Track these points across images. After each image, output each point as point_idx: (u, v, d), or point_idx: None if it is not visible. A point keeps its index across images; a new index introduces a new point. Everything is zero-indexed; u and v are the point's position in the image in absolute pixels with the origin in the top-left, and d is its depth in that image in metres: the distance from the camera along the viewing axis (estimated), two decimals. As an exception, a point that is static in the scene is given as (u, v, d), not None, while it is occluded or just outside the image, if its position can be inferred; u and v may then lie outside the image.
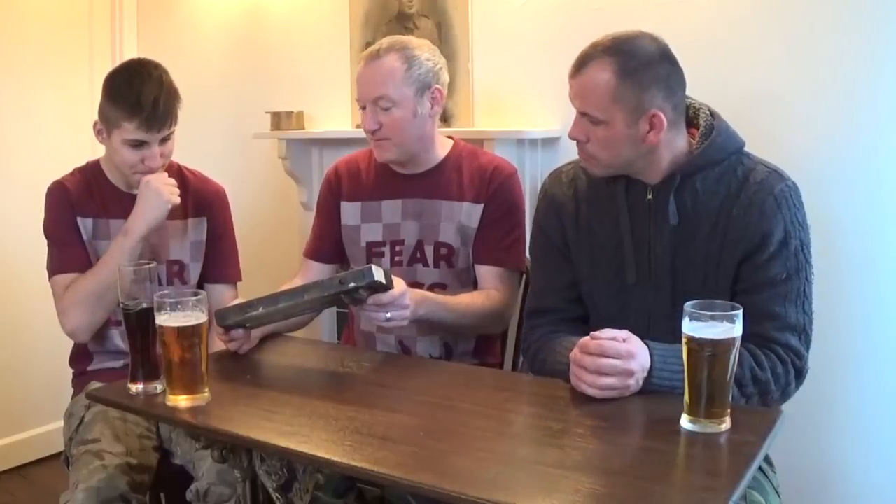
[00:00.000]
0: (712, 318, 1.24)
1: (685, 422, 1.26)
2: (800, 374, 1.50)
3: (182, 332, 1.37)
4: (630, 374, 1.36)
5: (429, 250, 1.96)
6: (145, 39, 3.47)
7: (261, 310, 1.58)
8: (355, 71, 1.93)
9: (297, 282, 1.99)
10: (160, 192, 1.89)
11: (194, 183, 2.09)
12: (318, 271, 2.03)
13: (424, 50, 1.90)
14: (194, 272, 2.06)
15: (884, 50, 2.00)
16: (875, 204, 2.05)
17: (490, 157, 2.04)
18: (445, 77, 1.94)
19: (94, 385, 1.88)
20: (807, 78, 2.10)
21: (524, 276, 1.99)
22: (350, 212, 2.01)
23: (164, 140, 1.92)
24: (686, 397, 1.26)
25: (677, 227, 1.54)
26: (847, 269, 2.07)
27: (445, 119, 2.66)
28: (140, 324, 1.49)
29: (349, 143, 2.61)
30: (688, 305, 1.26)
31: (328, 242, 2.04)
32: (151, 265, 1.54)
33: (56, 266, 1.95)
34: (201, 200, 2.08)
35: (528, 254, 1.91)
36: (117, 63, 2.25)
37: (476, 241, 1.94)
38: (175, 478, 1.83)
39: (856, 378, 2.10)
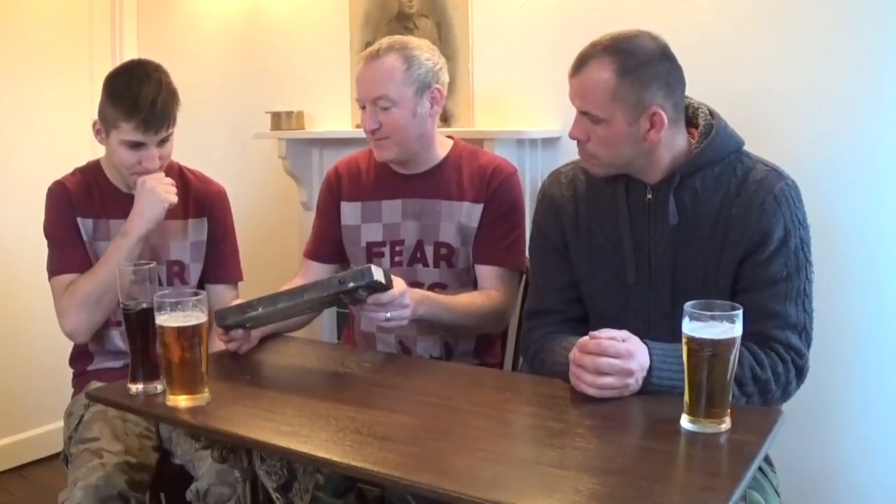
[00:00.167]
0: (712, 317, 1.23)
1: (685, 422, 1.26)
2: (800, 373, 1.49)
3: (182, 332, 1.37)
4: (629, 373, 1.36)
5: (429, 250, 1.96)
6: (145, 39, 3.47)
7: (260, 310, 1.58)
8: (355, 71, 1.93)
9: (298, 282, 1.99)
10: (157, 193, 1.89)
11: (195, 183, 2.09)
12: (318, 271, 2.03)
13: (424, 50, 1.90)
14: (195, 272, 2.06)
15: (884, 48, 2.00)
16: (875, 202, 2.05)
17: (490, 156, 2.04)
18: (445, 77, 1.94)
19: (94, 385, 1.88)
20: (806, 77, 2.10)
21: (524, 276, 1.99)
22: (350, 212, 2.01)
23: (163, 142, 1.92)
24: (686, 397, 1.26)
25: (677, 226, 1.54)
26: (847, 267, 2.07)
27: (445, 119, 2.66)
28: (140, 324, 1.49)
29: (349, 143, 2.61)
30: (688, 305, 1.26)
31: (328, 243, 2.04)
32: (151, 265, 1.53)
33: (56, 266, 1.95)
34: (202, 201, 2.08)
35: (527, 254, 1.91)
36: (117, 63, 2.26)
37: (476, 241, 1.94)
38: (175, 478, 1.83)
39: (856, 378, 2.10)
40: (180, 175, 2.07)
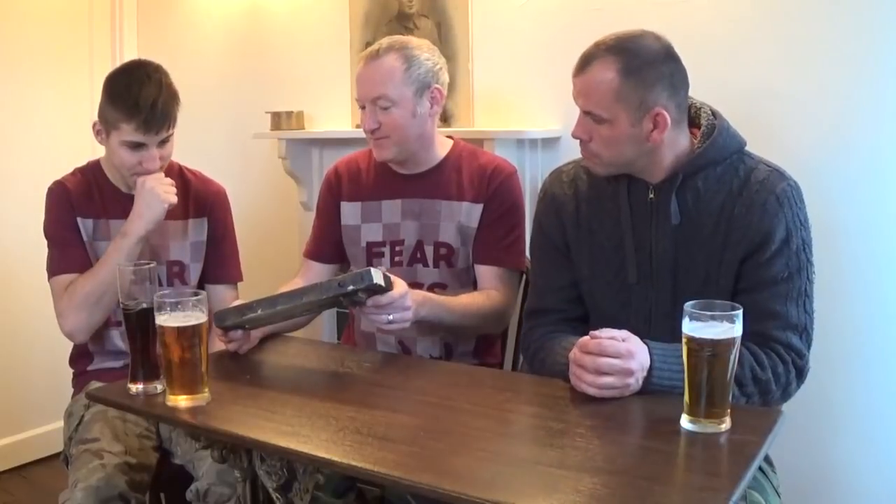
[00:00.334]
0: (712, 317, 1.23)
1: (685, 422, 1.26)
2: (800, 374, 1.49)
3: (182, 332, 1.37)
4: (629, 373, 1.36)
5: (429, 250, 1.96)
6: (145, 39, 3.47)
7: (259, 312, 1.58)
8: (355, 71, 1.93)
9: (298, 282, 2.00)
10: (157, 193, 1.89)
11: (195, 183, 2.09)
12: (318, 271, 2.03)
13: (424, 50, 1.90)
14: (195, 273, 2.06)
15: (885, 48, 2.00)
16: (877, 202, 2.05)
17: (490, 156, 2.04)
18: (445, 77, 1.94)
19: (94, 385, 1.88)
20: (807, 76, 2.10)
21: (524, 276, 1.99)
22: (350, 212, 2.01)
23: (163, 142, 1.92)
24: (686, 397, 1.26)
25: (679, 226, 1.54)
26: (848, 268, 2.07)
27: (445, 119, 2.66)
28: (140, 324, 1.49)
29: (349, 143, 2.61)
30: (688, 305, 1.26)
31: (328, 243, 2.04)
32: (151, 265, 1.53)
33: (56, 266, 1.95)
34: (202, 201, 2.08)
35: (527, 253, 1.91)
36: (117, 63, 2.26)
37: (476, 241, 1.94)
38: (175, 478, 1.83)
39: (857, 377, 2.10)
40: (180, 175, 2.07)
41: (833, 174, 2.07)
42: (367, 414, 1.35)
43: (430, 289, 1.93)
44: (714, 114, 1.58)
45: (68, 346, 2.05)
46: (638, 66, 1.48)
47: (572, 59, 1.55)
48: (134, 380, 1.49)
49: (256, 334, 1.72)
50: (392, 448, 1.22)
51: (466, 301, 1.86)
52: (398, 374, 1.61)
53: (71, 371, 2.07)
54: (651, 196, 1.56)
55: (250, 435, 1.31)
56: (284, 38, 3.12)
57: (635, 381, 1.37)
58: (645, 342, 1.39)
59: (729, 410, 1.25)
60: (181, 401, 1.40)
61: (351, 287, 1.52)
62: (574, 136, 1.57)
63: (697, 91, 1.61)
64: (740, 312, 1.25)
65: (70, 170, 2.05)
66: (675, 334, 1.31)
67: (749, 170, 1.53)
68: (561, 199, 1.68)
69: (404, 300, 1.64)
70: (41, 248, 1.99)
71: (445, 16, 2.69)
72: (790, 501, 1.62)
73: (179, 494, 1.73)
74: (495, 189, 1.93)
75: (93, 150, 2.28)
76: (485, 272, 1.94)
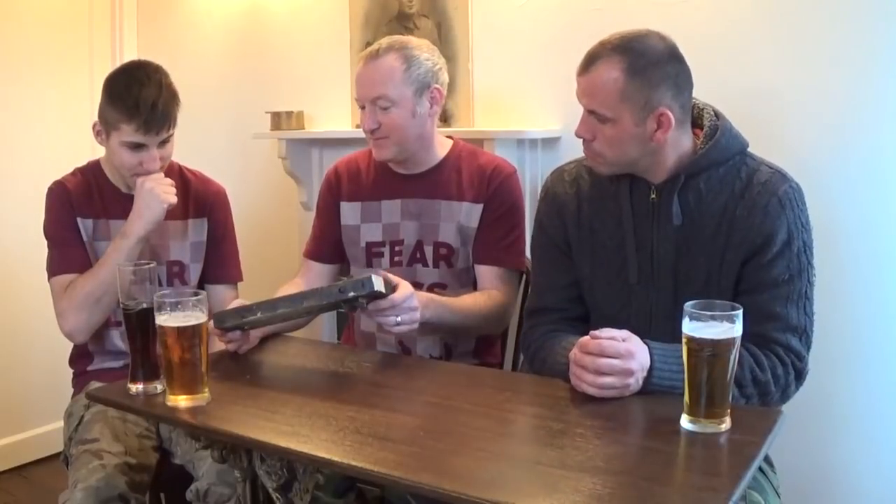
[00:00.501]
0: (712, 317, 1.23)
1: (685, 422, 1.26)
2: (800, 376, 1.50)
3: (182, 332, 1.37)
4: (630, 373, 1.36)
5: (428, 250, 1.96)
6: (145, 39, 3.47)
7: (259, 315, 1.58)
8: (355, 71, 1.93)
9: (298, 282, 2.00)
10: (156, 193, 1.89)
11: (195, 184, 2.09)
12: (318, 272, 2.03)
13: (424, 50, 1.90)
14: (195, 273, 2.06)
15: (885, 48, 2.00)
16: (877, 201, 2.05)
17: (489, 157, 2.04)
18: (445, 77, 1.93)
19: (94, 385, 1.88)
20: (807, 77, 2.10)
21: (524, 276, 1.99)
22: (350, 212, 2.01)
23: (163, 143, 1.92)
24: (686, 397, 1.26)
25: (680, 227, 1.54)
26: (849, 268, 2.07)
27: (445, 119, 2.66)
28: (140, 324, 1.49)
29: (349, 143, 2.61)
30: (688, 305, 1.26)
31: (328, 243, 2.04)
32: (151, 265, 1.53)
33: (55, 267, 1.95)
34: (202, 201, 2.08)
35: (528, 253, 1.91)
36: (117, 63, 2.26)
37: (476, 241, 1.94)
38: (175, 478, 1.83)
39: (857, 378, 2.10)
40: (180, 175, 2.07)
41: (833, 174, 2.07)
42: (367, 414, 1.35)
43: (430, 289, 1.93)
44: (717, 115, 1.58)
45: (68, 346, 2.05)
46: (643, 66, 1.47)
47: (572, 59, 1.55)
48: (134, 380, 1.49)
49: (256, 335, 1.72)
50: (392, 448, 1.22)
51: (469, 301, 1.86)
52: (398, 374, 1.61)
53: (71, 371, 2.07)
54: (653, 196, 1.56)
55: (250, 435, 1.31)
56: (284, 38, 3.12)
57: (635, 382, 1.37)
58: (645, 342, 1.39)
59: (729, 410, 1.25)
60: (181, 401, 1.40)
61: (352, 293, 1.52)
62: (577, 135, 1.57)
63: (697, 91, 1.60)
64: (740, 312, 1.25)
65: (70, 170, 2.05)
66: (675, 335, 1.31)
67: (751, 171, 1.53)
68: (563, 199, 1.68)
69: (410, 301, 1.63)
70: (41, 248, 1.99)
71: (445, 16, 2.69)
72: (790, 501, 1.62)
73: (179, 494, 1.73)
74: (495, 189, 1.93)
75: (93, 150, 2.29)
76: (485, 272, 1.94)
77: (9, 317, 3.08)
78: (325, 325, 2.92)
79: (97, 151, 2.07)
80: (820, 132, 2.10)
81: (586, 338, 1.39)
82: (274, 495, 1.52)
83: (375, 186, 2.00)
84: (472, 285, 1.97)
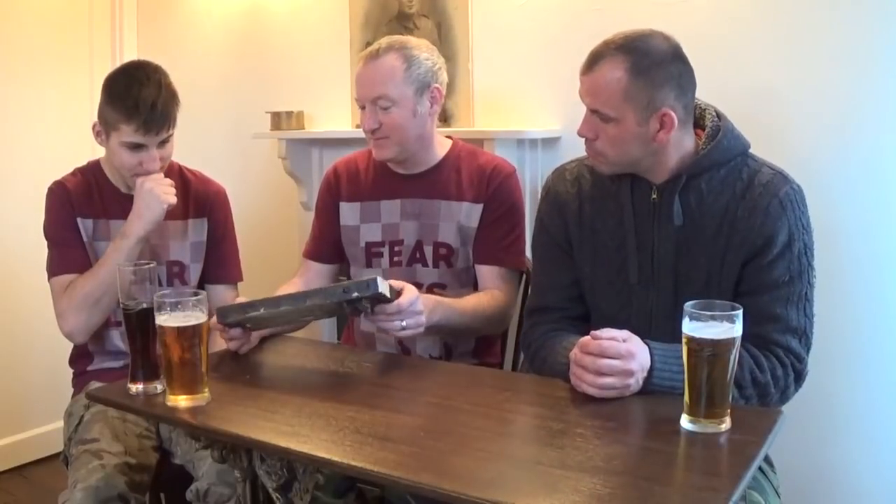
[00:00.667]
0: (712, 317, 1.23)
1: (685, 422, 1.26)
2: (799, 378, 1.50)
3: (182, 332, 1.37)
4: (630, 374, 1.36)
5: (428, 250, 1.96)
6: (145, 39, 3.47)
7: (262, 311, 1.57)
8: (355, 71, 1.93)
9: (296, 282, 2.00)
10: (156, 194, 1.89)
11: (195, 184, 2.09)
12: (317, 272, 2.03)
13: (423, 49, 1.90)
14: (195, 273, 2.06)
15: (886, 48, 2.00)
16: (877, 203, 2.05)
17: (489, 156, 2.04)
18: (444, 76, 1.94)
19: (94, 385, 1.88)
20: (807, 77, 2.10)
21: (524, 276, 1.99)
22: (349, 212, 2.01)
23: (163, 143, 1.92)
24: (686, 397, 1.26)
25: (681, 227, 1.54)
26: (849, 268, 2.07)
27: (445, 119, 2.66)
28: (140, 324, 1.49)
29: (349, 143, 2.61)
30: (687, 305, 1.26)
31: (327, 243, 2.04)
32: (151, 265, 1.53)
33: (55, 267, 1.95)
34: (202, 201, 2.08)
35: (528, 253, 1.91)
36: (117, 63, 2.25)
37: (476, 241, 1.94)
38: (175, 478, 1.83)
39: (857, 378, 2.10)
40: (180, 175, 2.07)
41: (833, 174, 2.06)
42: (367, 414, 1.35)
43: (430, 289, 1.93)
44: (719, 115, 1.58)
45: (68, 346, 2.05)
46: (647, 66, 1.47)
47: (572, 59, 1.55)
48: (134, 380, 1.49)
49: (257, 335, 1.72)
50: (392, 448, 1.22)
51: (473, 302, 1.86)
52: (398, 374, 1.61)
53: (71, 371, 2.07)
54: (654, 197, 1.56)
55: (250, 435, 1.31)
56: (284, 38, 3.12)
57: (635, 382, 1.37)
58: (646, 342, 1.39)
59: (729, 410, 1.25)
60: (181, 401, 1.40)
61: (356, 294, 1.52)
62: (580, 134, 1.57)
63: (697, 91, 1.60)
64: (740, 312, 1.25)
65: (70, 170, 2.05)
66: (675, 335, 1.30)
67: (753, 172, 1.53)
68: (564, 198, 1.68)
69: (416, 305, 1.62)
70: (41, 248, 1.98)
71: (445, 16, 2.69)
72: (790, 501, 1.62)
73: (179, 494, 1.73)
74: (495, 189, 1.93)
75: (93, 150, 2.28)
76: (486, 272, 1.94)
77: (9, 317, 3.08)
78: (325, 326, 2.92)
79: (97, 151, 2.07)
80: (820, 132, 2.10)
81: (587, 338, 1.39)
82: (274, 495, 1.51)
83: (375, 187, 2.00)
84: (472, 285, 1.97)
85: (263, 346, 1.74)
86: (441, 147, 1.99)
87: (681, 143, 1.54)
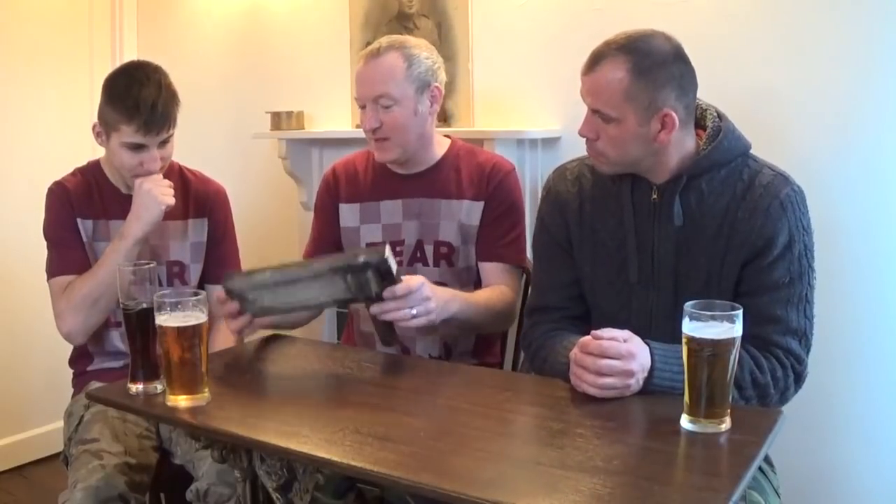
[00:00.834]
0: (712, 317, 1.23)
1: (685, 422, 1.26)
2: (799, 379, 1.50)
3: (182, 332, 1.37)
4: (630, 374, 1.36)
5: (429, 250, 1.96)
6: (145, 40, 3.47)
7: (268, 274, 1.55)
8: (355, 70, 1.92)
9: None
10: (154, 195, 1.88)
11: (195, 184, 2.09)
12: (317, 272, 2.03)
13: (423, 48, 1.90)
14: (195, 273, 2.06)
15: (886, 48, 2.00)
16: (877, 203, 2.04)
17: (488, 154, 2.04)
18: (443, 76, 1.94)
19: (94, 385, 1.88)
20: (807, 77, 2.10)
21: (525, 274, 1.99)
22: (349, 213, 2.01)
23: (163, 143, 1.92)
24: (686, 397, 1.26)
25: (682, 227, 1.54)
26: (849, 268, 2.07)
27: (445, 119, 2.66)
28: (140, 324, 1.49)
29: (349, 143, 2.61)
30: (688, 305, 1.26)
31: (327, 244, 2.04)
32: (151, 265, 1.53)
33: (54, 268, 1.95)
34: (202, 201, 2.08)
35: (528, 252, 1.91)
36: (117, 63, 2.25)
37: (478, 239, 1.94)
38: (175, 478, 1.83)
39: (857, 378, 2.10)
40: (180, 175, 2.07)
41: (833, 174, 2.06)
42: (367, 414, 1.35)
43: (431, 289, 1.92)
44: (720, 116, 1.58)
45: (68, 347, 2.05)
46: (648, 67, 1.47)
47: (572, 59, 1.55)
48: (134, 380, 1.49)
49: (260, 322, 1.71)
50: (392, 448, 1.22)
51: (486, 296, 1.86)
52: (398, 374, 1.61)
53: (71, 371, 2.07)
54: (654, 197, 1.56)
55: (250, 435, 1.31)
56: (284, 38, 3.12)
57: (636, 382, 1.37)
58: (646, 342, 1.39)
59: (729, 410, 1.25)
60: (181, 401, 1.40)
61: (363, 258, 1.50)
62: (581, 134, 1.57)
63: (698, 91, 1.60)
64: (740, 312, 1.25)
65: (70, 170, 2.05)
66: (675, 335, 1.30)
67: (753, 173, 1.53)
68: (564, 197, 1.68)
69: (422, 290, 1.61)
70: (41, 248, 1.98)
71: (445, 16, 2.69)
72: (790, 501, 1.62)
73: (179, 494, 1.73)
74: (495, 187, 1.93)
75: (93, 151, 2.28)
76: (491, 269, 1.94)
77: (9, 317, 3.08)
78: (325, 326, 2.92)
79: (97, 151, 2.07)
80: (820, 132, 2.09)
81: (587, 338, 1.39)
82: (274, 495, 1.51)
83: (374, 187, 2.00)
84: (472, 284, 1.97)
85: (263, 346, 1.74)
86: (440, 146, 1.99)
87: (682, 144, 1.54)
